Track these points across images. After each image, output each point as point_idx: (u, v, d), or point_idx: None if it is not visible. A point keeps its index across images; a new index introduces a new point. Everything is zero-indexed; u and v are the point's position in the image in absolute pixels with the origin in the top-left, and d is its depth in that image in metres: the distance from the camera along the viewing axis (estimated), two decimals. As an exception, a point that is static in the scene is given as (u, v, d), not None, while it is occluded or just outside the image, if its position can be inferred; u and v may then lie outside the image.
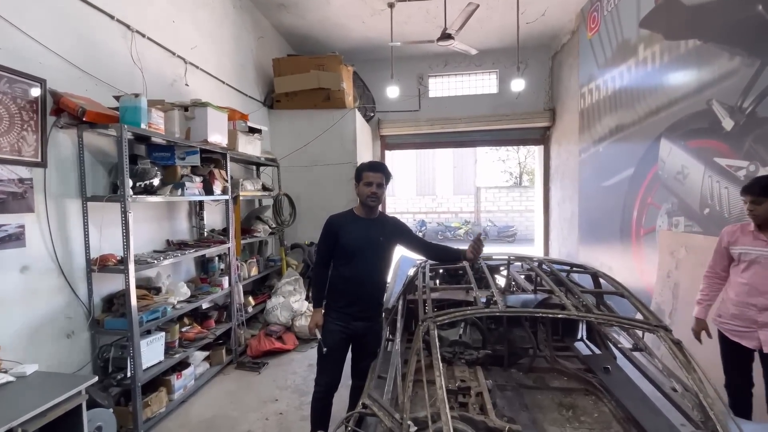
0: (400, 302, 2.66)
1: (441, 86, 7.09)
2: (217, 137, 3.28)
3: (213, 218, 4.09)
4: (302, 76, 5.19)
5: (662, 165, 3.60)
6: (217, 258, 3.78)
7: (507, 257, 3.11)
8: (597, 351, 3.03)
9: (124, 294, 2.50)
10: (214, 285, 3.53)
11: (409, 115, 6.90)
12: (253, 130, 4.05)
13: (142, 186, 2.66)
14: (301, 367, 3.65)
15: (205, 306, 3.29)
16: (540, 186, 7.01)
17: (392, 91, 5.69)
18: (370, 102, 6.43)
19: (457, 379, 1.98)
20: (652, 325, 1.75)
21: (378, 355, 2.18)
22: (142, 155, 2.96)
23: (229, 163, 3.70)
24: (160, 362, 2.76)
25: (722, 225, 2.90)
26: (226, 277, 3.66)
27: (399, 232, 2.27)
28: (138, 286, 2.65)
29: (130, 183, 2.51)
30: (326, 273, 2.23)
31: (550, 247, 6.82)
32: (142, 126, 2.54)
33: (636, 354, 2.42)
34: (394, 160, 12.67)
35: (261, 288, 4.65)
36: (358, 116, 5.67)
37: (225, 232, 3.81)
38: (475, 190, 16.98)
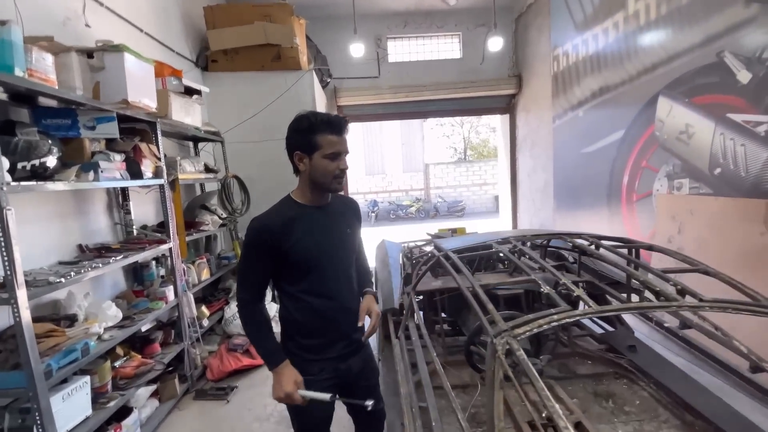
0: (411, 298, 2.12)
1: (401, 49, 6.44)
2: (142, 98, 2.36)
3: (143, 210, 3.13)
4: (244, 29, 4.22)
5: (660, 126, 3.40)
6: (154, 263, 2.89)
7: (543, 234, 2.61)
8: (609, 328, 2.79)
9: (14, 335, 1.63)
10: (154, 299, 2.67)
11: (368, 82, 6.18)
12: (190, 91, 3.12)
13: (29, 168, 1.74)
14: (279, 386, 2.97)
15: (145, 328, 2.46)
16: (506, 157, 6.79)
17: (356, 50, 4.94)
18: (324, 72, 5.60)
19: (536, 405, 1.50)
20: None
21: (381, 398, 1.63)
22: (25, 122, 1.99)
23: (160, 136, 2.78)
24: (86, 418, 1.94)
25: (737, 185, 2.75)
26: (170, 287, 2.80)
27: (357, 218, 1.55)
28: (38, 319, 1.79)
29: (6, 164, 1.60)
30: (263, 310, 1.39)
31: (518, 220, 6.70)
32: (17, 73, 1.61)
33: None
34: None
35: (215, 293, 3.80)
36: (316, 80, 4.86)
37: (162, 227, 2.91)
38: (424, 167, 16.79)
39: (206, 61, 4.43)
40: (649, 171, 3.58)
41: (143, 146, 2.60)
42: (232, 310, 3.48)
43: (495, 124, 19.86)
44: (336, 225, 1.42)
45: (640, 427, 1.72)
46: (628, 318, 2.78)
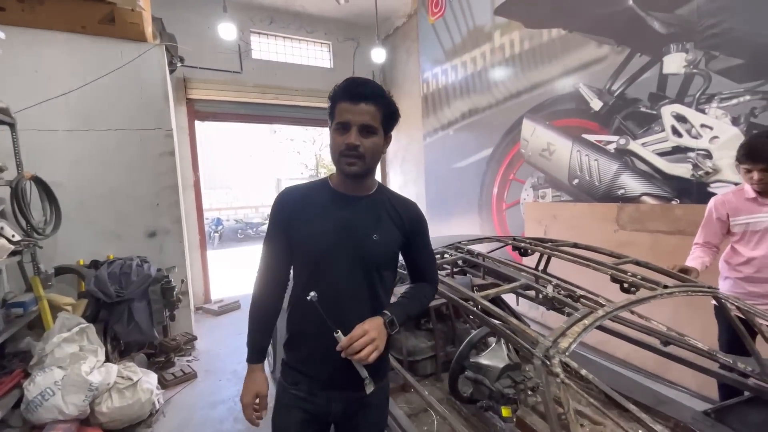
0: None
1: (267, 47, 5.79)
2: None
3: None
4: (53, -33, 2.92)
5: (525, 144, 3.94)
6: None
7: (476, 239, 2.50)
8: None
9: None
10: None
11: (229, 76, 5.28)
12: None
13: None
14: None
15: None
16: (380, 170, 6.88)
17: (226, 31, 4.09)
18: (172, 49, 4.46)
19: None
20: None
21: None
22: None
23: None
24: None
25: (592, 192, 3.36)
26: None
27: (411, 230, 1.16)
28: None
29: None
30: (274, 297, 1.17)
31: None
32: None
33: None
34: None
35: (3, 362, 2.32)
36: (166, 61, 3.79)
37: None
38: (277, 182, 15.81)
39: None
40: (516, 183, 4.11)
41: None
42: (38, 385, 2.17)
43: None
44: (360, 226, 1.09)
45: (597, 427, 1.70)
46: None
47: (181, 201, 3.97)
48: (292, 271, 1.16)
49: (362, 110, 1.01)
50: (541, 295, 1.43)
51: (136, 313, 2.99)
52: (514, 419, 1.39)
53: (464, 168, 4.79)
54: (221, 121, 5.64)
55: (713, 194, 2.56)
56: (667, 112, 2.76)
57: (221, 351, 3.70)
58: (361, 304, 1.08)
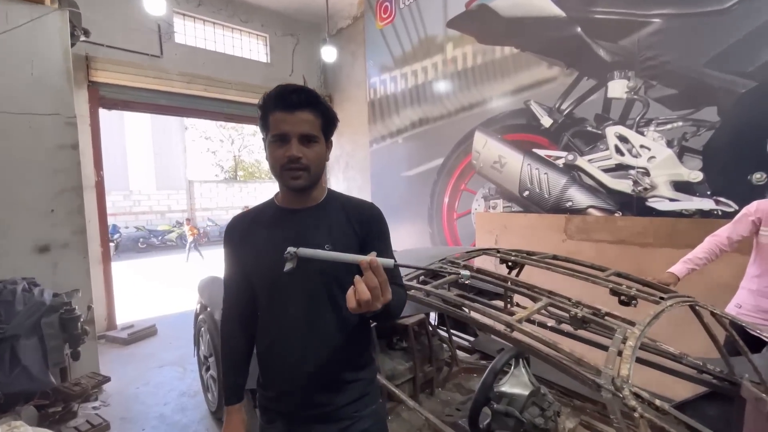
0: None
1: (194, 32, 5.10)
2: None
3: None
4: None
5: (477, 155, 4.04)
6: None
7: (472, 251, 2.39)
8: (469, 337, 2.99)
9: None
10: None
11: (145, 60, 4.49)
12: None
13: None
14: None
15: None
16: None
17: (153, 5, 3.42)
18: (74, 17, 3.61)
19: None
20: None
21: None
22: None
23: None
24: None
25: (542, 204, 3.56)
26: None
27: (364, 232, 1.03)
28: None
29: None
30: (242, 332, 1.10)
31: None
32: None
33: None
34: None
35: None
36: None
37: None
38: (188, 185, 14.16)
39: None
40: (467, 193, 4.19)
41: None
42: None
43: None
44: (310, 239, 0.98)
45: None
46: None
47: (85, 206, 3.20)
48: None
49: (300, 119, 0.92)
50: (570, 315, 1.36)
51: (23, 353, 2.25)
52: None
53: (414, 177, 4.76)
54: (134, 111, 4.78)
55: (652, 208, 2.88)
56: (611, 132, 3.04)
57: (140, 391, 3.03)
58: (328, 324, 1.00)
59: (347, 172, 5.99)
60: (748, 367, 1.56)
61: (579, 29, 3.15)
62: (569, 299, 1.48)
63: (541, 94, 3.46)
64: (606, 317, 1.36)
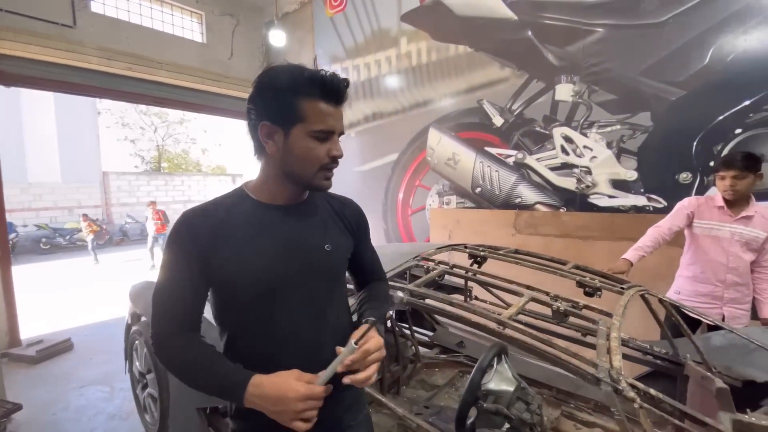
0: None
1: (115, 2, 4.44)
2: None
3: None
4: None
5: (431, 152, 4.07)
6: None
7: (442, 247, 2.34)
8: (428, 332, 3.03)
9: None
10: None
11: (54, 30, 3.81)
12: None
13: None
14: None
15: None
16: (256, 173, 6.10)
17: None
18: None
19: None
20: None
21: None
22: None
23: None
24: None
25: (493, 200, 3.69)
26: None
27: (357, 230, 1.02)
28: None
29: None
30: (199, 338, 0.85)
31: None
32: None
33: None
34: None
35: None
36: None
37: None
38: (102, 177, 12.52)
39: None
40: (422, 189, 4.21)
41: None
42: None
43: (198, 135, 17.88)
44: (308, 238, 0.89)
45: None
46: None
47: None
48: (224, 311, 0.87)
49: (341, 114, 0.85)
50: (552, 309, 1.39)
51: None
52: None
53: (367, 172, 4.66)
54: (41, 89, 4.04)
55: (593, 204, 3.12)
56: (558, 133, 3.23)
57: (58, 417, 2.57)
58: (328, 334, 0.89)
59: (294, 166, 5.70)
60: (690, 348, 1.73)
61: (530, 33, 3.29)
62: (548, 293, 1.52)
63: (494, 94, 3.57)
64: (584, 309, 1.42)
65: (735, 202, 1.95)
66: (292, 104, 0.79)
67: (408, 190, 4.33)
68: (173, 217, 13.38)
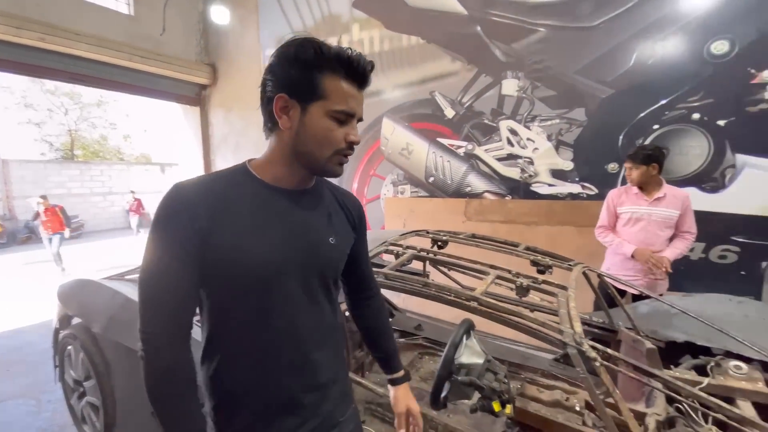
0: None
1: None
2: None
3: None
4: None
5: (385, 142, 4.11)
6: None
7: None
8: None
9: None
10: None
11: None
12: None
13: None
14: None
15: None
16: (200, 158, 5.68)
17: None
18: None
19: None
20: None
21: None
22: None
23: None
24: None
25: (445, 189, 3.83)
26: None
27: (358, 225, 0.99)
28: None
29: None
30: (188, 363, 0.74)
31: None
32: None
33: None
34: None
35: None
36: None
37: None
38: (1, 164, 10.78)
39: None
40: (377, 179, 4.24)
41: None
42: None
43: (118, 119, 16.02)
44: (313, 229, 0.83)
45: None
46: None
47: None
48: (213, 296, 0.78)
49: (362, 99, 0.80)
50: (516, 285, 1.50)
51: None
52: (512, 413, 1.42)
53: (319, 160, 4.57)
54: None
55: (535, 192, 3.39)
56: (504, 125, 3.44)
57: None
58: (322, 330, 0.86)
59: (238, 154, 5.40)
60: (622, 316, 1.97)
61: (479, 28, 3.44)
62: (510, 271, 1.64)
63: (445, 86, 3.69)
64: (543, 284, 1.56)
65: (648, 187, 2.23)
66: (314, 79, 0.74)
67: (363, 180, 4.34)
68: (87, 212, 11.78)
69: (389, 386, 1.09)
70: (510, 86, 3.36)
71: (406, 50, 3.87)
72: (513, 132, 3.41)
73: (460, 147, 3.68)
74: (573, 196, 3.17)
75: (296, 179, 0.82)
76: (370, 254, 1.81)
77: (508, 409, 1.36)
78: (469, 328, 1.58)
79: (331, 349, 0.89)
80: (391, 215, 4.11)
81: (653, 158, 2.17)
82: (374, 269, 1.62)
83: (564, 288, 1.49)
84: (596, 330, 2.03)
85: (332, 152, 0.78)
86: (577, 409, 1.64)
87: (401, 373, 1.08)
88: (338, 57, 0.74)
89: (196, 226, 0.71)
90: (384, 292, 2.76)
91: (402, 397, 1.06)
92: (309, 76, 0.74)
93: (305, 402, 0.84)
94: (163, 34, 4.97)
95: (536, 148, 3.32)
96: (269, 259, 0.76)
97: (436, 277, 2.40)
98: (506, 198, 3.51)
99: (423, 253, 1.87)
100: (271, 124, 0.79)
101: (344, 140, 0.78)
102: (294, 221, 0.80)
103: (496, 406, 1.39)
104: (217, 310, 0.79)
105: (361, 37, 4.12)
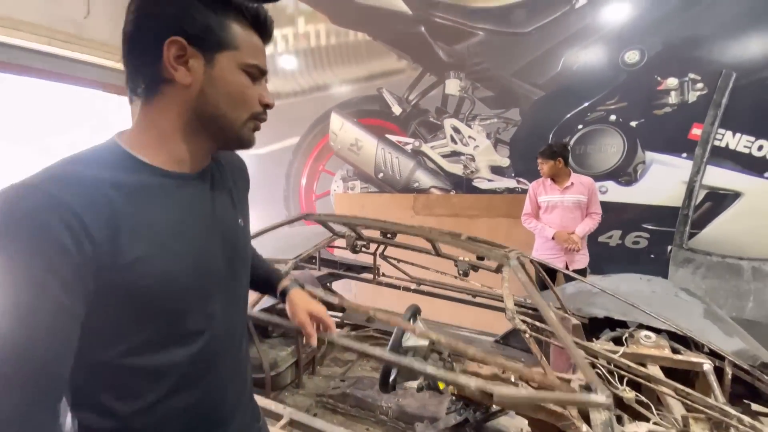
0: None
1: None
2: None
3: None
4: None
5: (334, 137, 4.10)
6: None
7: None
8: (336, 313, 3.17)
9: None
10: None
11: None
12: None
13: None
14: None
15: None
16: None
17: None
18: None
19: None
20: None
21: None
22: None
23: None
24: None
25: (394, 185, 3.92)
26: None
27: (246, 188, 0.80)
28: None
29: None
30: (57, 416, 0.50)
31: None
32: None
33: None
34: None
35: None
36: None
37: None
38: None
39: None
40: (326, 174, 4.22)
41: None
42: None
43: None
44: (226, 213, 0.68)
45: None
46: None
47: None
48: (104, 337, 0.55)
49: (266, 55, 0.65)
50: (461, 272, 1.61)
51: None
52: (455, 390, 1.50)
53: (265, 156, 4.44)
54: None
55: (476, 187, 3.58)
56: (448, 124, 3.60)
57: None
58: (244, 319, 0.75)
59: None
60: (552, 297, 2.17)
61: (423, 29, 3.55)
62: (454, 259, 1.74)
63: (393, 84, 3.77)
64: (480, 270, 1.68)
65: (558, 178, 2.57)
66: (222, 23, 0.56)
67: (311, 175, 4.29)
68: None
69: (285, 305, 0.88)
70: (453, 86, 3.52)
71: (353, 46, 3.89)
72: (456, 130, 3.57)
73: (407, 144, 3.78)
74: (510, 191, 3.40)
75: (199, 157, 0.62)
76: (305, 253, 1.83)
77: (442, 385, 1.45)
78: (415, 312, 1.65)
79: (245, 349, 0.76)
80: (341, 211, 4.11)
81: (558, 153, 2.51)
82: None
83: (499, 271, 1.62)
84: (530, 310, 2.22)
85: (248, 115, 0.62)
86: (512, 380, 1.78)
87: (288, 281, 0.90)
88: (245, 4, 0.59)
89: (88, 250, 0.47)
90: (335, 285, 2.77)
91: (299, 302, 0.86)
92: (214, 18, 0.56)
93: (235, 408, 0.72)
94: (87, 17, 4.52)
95: (477, 146, 3.51)
96: (200, 269, 0.61)
97: (386, 271, 2.49)
98: (451, 193, 3.67)
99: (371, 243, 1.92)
100: (149, 82, 0.57)
101: (258, 102, 0.63)
102: (206, 213, 0.64)
103: (440, 385, 1.47)
104: (127, 332, 0.56)
105: (306, 30, 4.07)
